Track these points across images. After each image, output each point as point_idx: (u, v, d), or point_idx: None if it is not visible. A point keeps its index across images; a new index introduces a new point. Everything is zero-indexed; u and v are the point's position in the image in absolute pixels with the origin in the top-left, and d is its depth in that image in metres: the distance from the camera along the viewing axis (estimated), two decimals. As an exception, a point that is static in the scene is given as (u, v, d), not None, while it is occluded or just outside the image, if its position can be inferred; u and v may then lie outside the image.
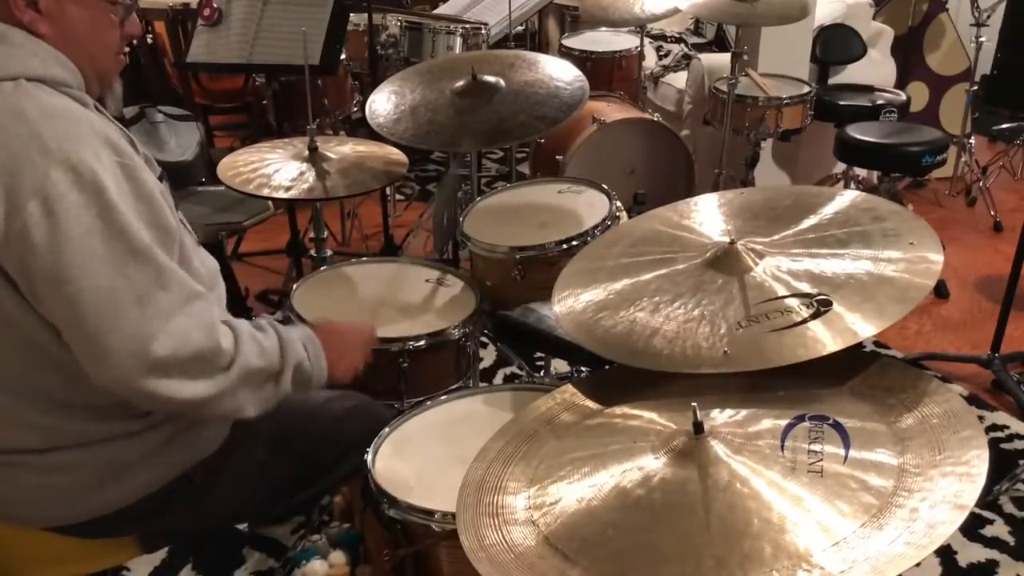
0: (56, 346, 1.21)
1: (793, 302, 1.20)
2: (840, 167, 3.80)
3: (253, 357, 1.27)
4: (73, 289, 1.13)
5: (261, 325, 1.34)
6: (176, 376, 1.18)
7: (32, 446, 1.28)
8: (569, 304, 1.40)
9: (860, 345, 1.14)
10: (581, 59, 3.83)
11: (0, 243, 1.14)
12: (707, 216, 1.49)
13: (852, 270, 1.23)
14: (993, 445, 2.39)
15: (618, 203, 2.01)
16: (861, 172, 3.81)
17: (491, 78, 2.23)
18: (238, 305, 2.89)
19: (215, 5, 2.75)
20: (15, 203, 1.12)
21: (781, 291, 1.23)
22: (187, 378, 1.19)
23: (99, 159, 1.16)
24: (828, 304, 1.18)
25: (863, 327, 1.14)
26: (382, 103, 2.29)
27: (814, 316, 1.17)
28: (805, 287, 1.22)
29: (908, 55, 4.31)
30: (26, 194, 1.12)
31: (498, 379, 2.84)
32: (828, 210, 1.39)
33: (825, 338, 1.13)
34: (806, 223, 1.37)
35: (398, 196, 4.17)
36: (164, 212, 1.24)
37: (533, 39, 5.09)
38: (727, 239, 1.33)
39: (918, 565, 0.86)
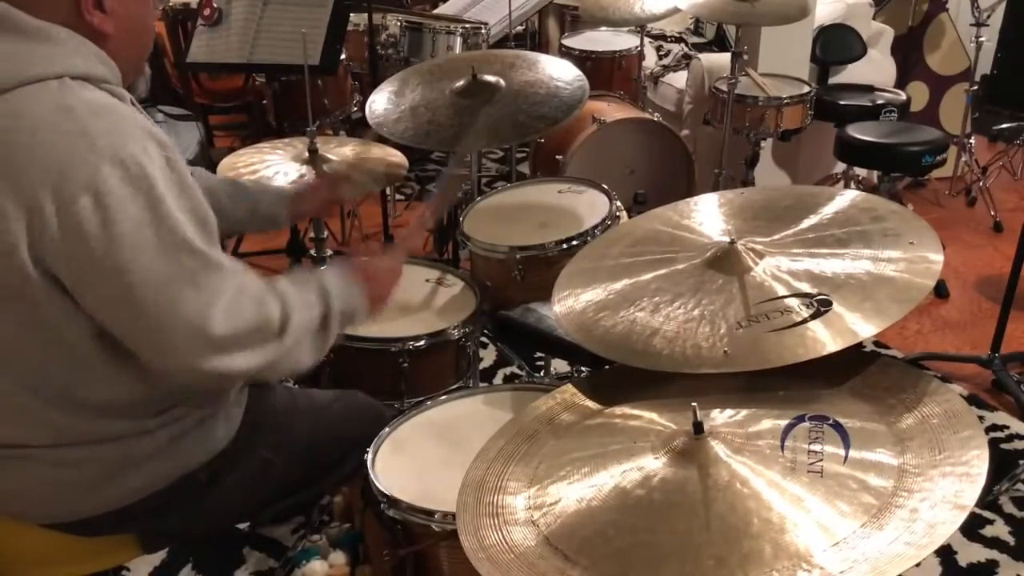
0: (90, 345, 1.22)
1: (793, 302, 1.20)
2: (840, 167, 3.80)
3: (302, 316, 1.31)
4: (130, 280, 1.16)
5: (302, 278, 1.37)
6: (236, 351, 1.22)
7: (43, 442, 1.28)
8: (569, 304, 1.40)
9: (860, 345, 1.14)
10: (581, 59, 3.83)
11: (50, 241, 1.15)
12: (707, 216, 1.49)
13: (852, 270, 1.23)
14: (993, 445, 2.38)
15: (618, 203, 2.01)
16: (861, 172, 3.81)
17: (491, 78, 2.23)
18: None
19: (215, 5, 2.75)
20: (65, 200, 1.13)
21: (781, 291, 1.23)
22: (246, 350, 1.23)
23: (147, 153, 1.18)
24: (828, 304, 1.18)
25: (863, 327, 1.14)
26: (382, 103, 2.29)
27: (814, 316, 1.17)
28: (805, 287, 1.22)
29: (908, 55, 4.31)
30: (77, 190, 1.13)
31: (498, 379, 2.84)
32: (828, 210, 1.39)
33: (825, 338, 1.13)
34: (806, 223, 1.37)
35: (398, 196, 4.17)
36: (203, 202, 1.26)
37: (533, 39, 5.08)
38: (727, 239, 1.33)
39: (918, 565, 0.86)
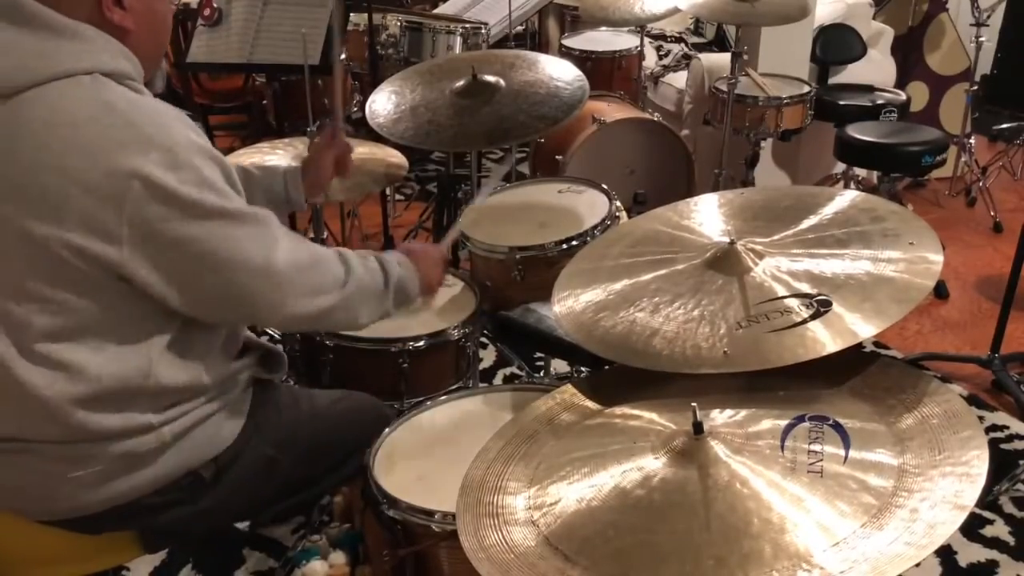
0: (105, 332, 1.26)
1: (793, 302, 1.20)
2: (840, 167, 3.80)
3: (362, 271, 1.42)
4: (199, 248, 1.24)
5: (359, 253, 1.47)
6: (307, 295, 1.33)
7: (49, 437, 1.29)
8: (569, 304, 1.40)
9: (860, 345, 1.14)
10: (581, 59, 3.83)
11: (118, 228, 1.19)
12: (707, 216, 1.49)
13: (852, 270, 1.23)
14: (993, 445, 2.38)
15: (618, 203, 2.01)
16: (861, 172, 3.81)
17: (491, 78, 2.23)
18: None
19: (215, 5, 2.75)
20: (120, 188, 1.18)
21: (781, 291, 1.23)
22: (314, 294, 1.34)
23: (188, 138, 1.24)
24: (828, 304, 1.18)
25: (863, 327, 1.14)
26: (382, 103, 2.29)
27: (814, 316, 1.17)
28: (805, 287, 1.22)
29: (908, 55, 4.31)
30: (128, 177, 1.18)
31: (498, 379, 2.84)
32: (828, 210, 1.39)
33: (825, 338, 1.13)
34: (806, 223, 1.37)
35: (398, 196, 4.17)
36: (238, 179, 1.33)
37: (533, 39, 5.08)
38: (727, 239, 1.33)
39: (918, 565, 0.86)
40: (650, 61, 4.35)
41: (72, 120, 1.19)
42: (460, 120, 2.16)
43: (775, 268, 1.28)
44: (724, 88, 3.40)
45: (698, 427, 1.03)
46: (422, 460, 1.42)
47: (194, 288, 1.27)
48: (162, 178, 1.19)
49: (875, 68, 4.11)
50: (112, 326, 1.26)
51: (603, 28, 4.21)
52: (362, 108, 3.49)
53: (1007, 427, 2.64)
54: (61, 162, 1.18)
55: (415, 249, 1.60)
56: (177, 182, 1.20)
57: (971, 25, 3.99)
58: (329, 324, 1.44)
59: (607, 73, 3.89)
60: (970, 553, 2.17)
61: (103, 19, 1.25)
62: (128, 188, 1.18)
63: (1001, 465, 2.43)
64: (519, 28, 4.48)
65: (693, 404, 1.03)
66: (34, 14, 1.22)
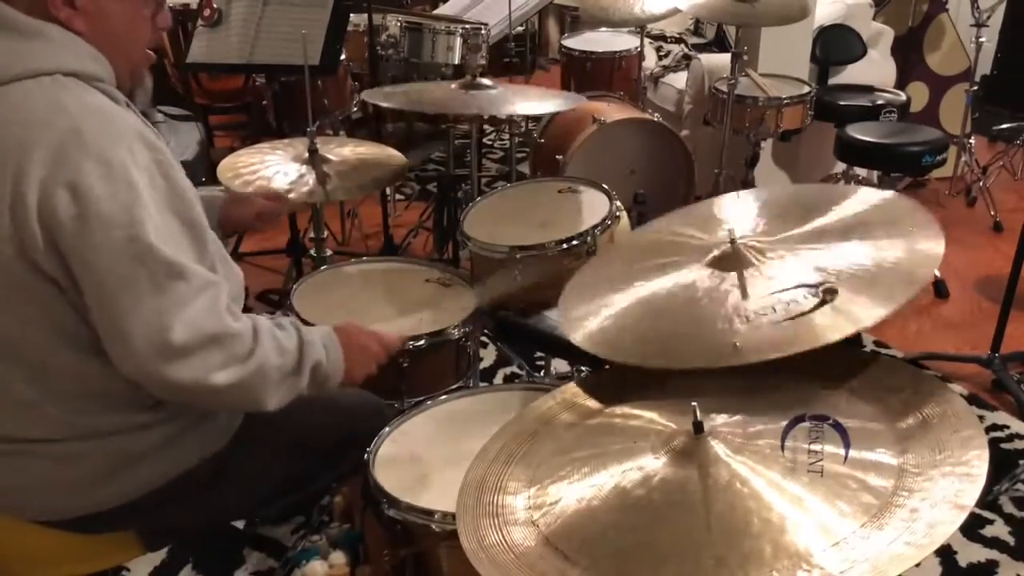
0: (83, 335, 1.23)
1: (799, 292, 1.20)
2: (840, 167, 3.80)
3: (272, 353, 1.29)
4: (97, 277, 1.17)
5: (282, 324, 1.36)
6: (194, 364, 1.20)
7: (42, 435, 1.29)
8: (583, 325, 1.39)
9: (861, 344, 1.14)
10: (581, 59, 3.83)
11: (32, 230, 1.16)
12: (707, 221, 1.49)
13: (855, 259, 1.23)
14: (993, 445, 2.38)
15: (618, 203, 2.01)
16: (861, 172, 3.81)
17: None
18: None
19: (215, 5, 2.75)
20: (48, 191, 1.15)
21: (786, 284, 1.22)
22: (204, 366, 1.21)
23: (133, 154, 1.19)
24: (834, 292, 1.17)
25: (869, 312, 1.13)
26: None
27: (820, 305, 1.16)
28: (810, 279, 1.21)
29: (908, 55, 4.31)
30: (58, 183, 1.15)
31: (498, 379, 2.84)
32: (836, 207, 1.39)
33: (833, 325, 1.13)
34: (811, 219, 1.37)
35: (398, 196, 4.17)
36: (195, 208, 1.27)
37: (533, 39, 5.09)
38: (727, 239, 1.33)
39: (918, 565, 0.86)
40: (650, 61, 4.34)
41: (26, 120, 1.17)
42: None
43: (779, 263, 1.27)
44: (724, 88, 3.40)
45: (698, 427, 1.03)
46: (422, 460, 1.42)
47: (90, 315, 1.21)
48: (89, 191, 1.15)
49: (875, 68, 4.11)
50: (84, 331, 1.23)
51: (603, 28, 4.21)
52: (362, 108, 3.51)
53: (1007, 427, 2.64)
54: (6, 159, 1.16)
55: (352, 333, 1.47)
56: (96, 200, 1.15)
57: (971, 25, 3.99)
58: (223, 404, 1.32)
59: (607, 73, 3.89)
60: (970, 553, 2.17)
61: (52, 18, 1.22)
62: (54, 193, 1.15)
63: (1001, 465, 2.43)
64: (519, 28, 4.49)
65: (693, 404, 1.03)
66: (1, 15, 1.20)
